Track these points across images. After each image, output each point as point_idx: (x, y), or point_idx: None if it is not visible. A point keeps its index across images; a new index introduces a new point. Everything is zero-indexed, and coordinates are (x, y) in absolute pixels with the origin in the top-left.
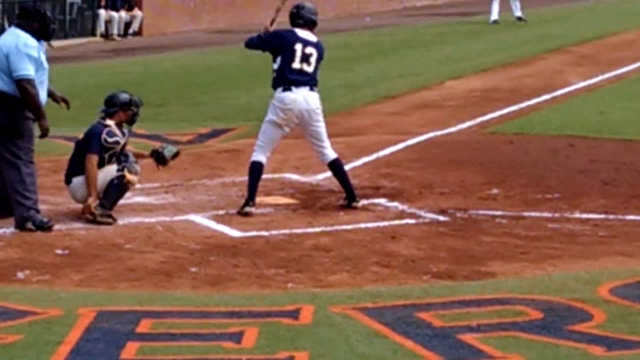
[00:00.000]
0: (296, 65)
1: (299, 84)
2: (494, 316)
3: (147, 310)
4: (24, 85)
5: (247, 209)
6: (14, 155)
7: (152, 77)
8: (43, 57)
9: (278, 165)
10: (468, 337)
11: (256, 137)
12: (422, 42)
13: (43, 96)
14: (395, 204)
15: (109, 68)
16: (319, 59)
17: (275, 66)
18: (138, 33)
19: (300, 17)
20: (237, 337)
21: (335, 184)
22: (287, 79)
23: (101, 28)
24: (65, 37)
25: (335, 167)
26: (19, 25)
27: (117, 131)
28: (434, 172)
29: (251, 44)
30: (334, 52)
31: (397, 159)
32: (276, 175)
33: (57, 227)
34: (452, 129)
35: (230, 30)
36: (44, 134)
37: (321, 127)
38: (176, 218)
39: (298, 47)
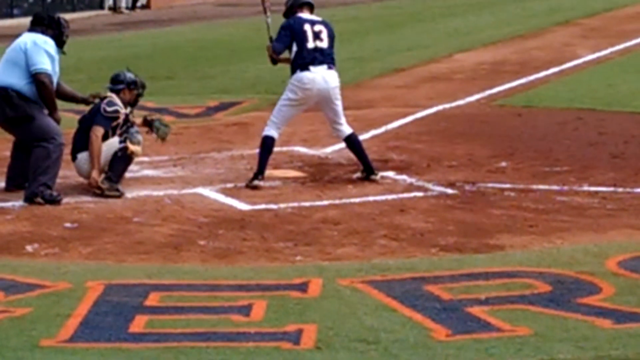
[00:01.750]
0: (310, 44)
1: (316, 62)
2: (502, 289)
3: (156, 283)
4: (42, 79)
5: (256, 182)
6: (38, 138)
7: (160, 51)
8: (58, 65)
9: (287, 138)
10: (476, 310)
11: (265, 110)
12: (431, 15)
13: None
14: (404, 177)
15: (117, 41)
16: (330, 35)
17: (293, 53)
18: (146, 6)
19: (297, 0)
20: (246, 310)
21: (344, 157)
22: (304, 59)
23: (109, 1)
24: (74, 10)
25: (352, 142)
26: (33, 31)
27: (118, 101)
28: (442, 145)
29: (277, 49)
30: (342, 25)
31: (405, 132)
32: (285, 148)
33: (65, 200)
34: (461, 102)
35: (238, 3)
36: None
37: (339, 106)
38: (184, 191)
39: (307, 27)
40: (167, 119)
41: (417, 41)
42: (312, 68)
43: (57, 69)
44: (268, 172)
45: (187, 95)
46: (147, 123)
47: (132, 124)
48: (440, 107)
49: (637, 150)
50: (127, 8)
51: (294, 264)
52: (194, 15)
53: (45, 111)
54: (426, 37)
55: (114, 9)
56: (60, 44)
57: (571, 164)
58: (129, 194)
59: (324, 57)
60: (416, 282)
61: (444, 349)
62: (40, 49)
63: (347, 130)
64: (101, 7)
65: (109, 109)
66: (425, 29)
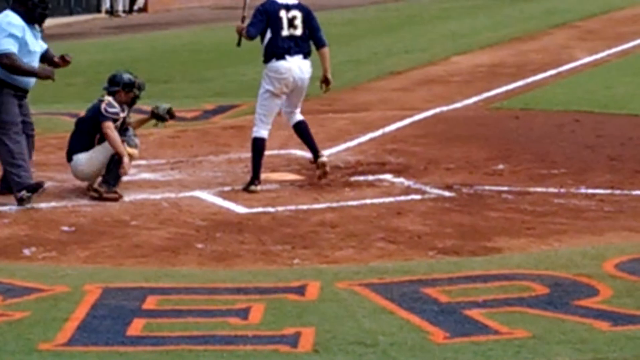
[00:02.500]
0: (285, 32)
1: (292, 52)
2: (499, 292)
3: (154, 286)
4: (3, 62)
5: (253, 187)
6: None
7: (157, 54)
8: (31, 41)
9: (284, 141)
10: (474, 313)
11: None
12: (428, 17)
13: (29, 79)
14: (401, 179)
15: (114, 44)
16: (306, 20)
17: (266, 39)
18: (143, 9)
19: None
20: (244, 313)
21: (341, 160)
22: (279, 48)
23: (106, 4)
24: (71, 13)
25: (302, 125)
26: (12, 8)
27: (116, 104)
28: (439, 148)
29: (251, 35)
30: (339, 28)
31: (402, 135)
32: (282, 152)
33: (63, 203)
34: (458, 105)
35: (235, 7)
36: (48, 77)
37: (303, 96)
38: (182, 194)
39: (282, 13)
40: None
41: (414, 44)
42: (288, 57)
43: (32, 48)
44: (265, 175)
45: (184, 99)
46: (153, 115)
47: (128, 127)
48: (437, 110)
49: (634, 153)
50: (124, 11)
51: (291, 267)
52: (191, 18)
53: (14, 100)
54: (423, 40)
55: (111, 12)
56: (32, 19)
57: (568, 166)
58: (126, 197)
59: (299, 46)
60: (414, 285)
61: (442, 352)
62: (3, 31)
63: (299, 117)
64: (98, 10)
65: (110, 109)
66: (422, 32)
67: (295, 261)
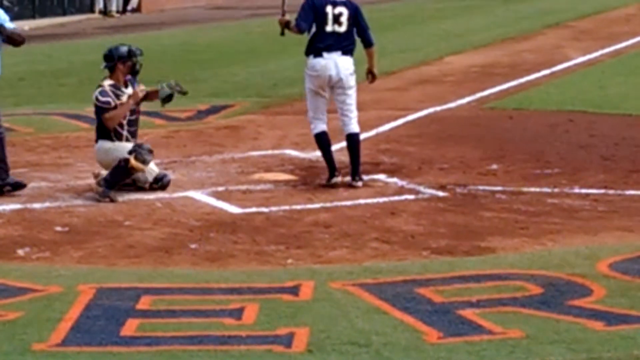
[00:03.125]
0: (329, 28)
1: (331, 48)
2: (493, 291)
3: (147, 287)
4: None
5: (334, 179)
6: None
7: (150, 54)
8: None
9: (278, 141)
10: (468, 313)
11: (256, 113)
12: (422, 17)
13: None
14: (395, 179)
15: (108, 45)
16: (353, 17)
17: (310, 34)
18: (136, 10)
19: None
20: (238, 313)
21: (335, 160)
22: (319, 44)
23: (99, 5)
24: (64, 13)
25: (352, 141)
26: None
27: (110, 93)
28: (433, 148)
29: (303, 28)
30: None
31: (396, 135)
32: (276, 152)
33: (56, 204)
34: (452, 105)
35: (229, 7)
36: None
37: (351, 96)
38: (175, 195)
39: (329, 9)
40: (157, 122)
41: (408, 44)
42: (325, 54)
43: None
44: (258, 175)
45: (177, 99)
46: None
47: (142, 146)
48: (431, 110)
49: (627, 153)
50: (117, 12)
51: (285, 267)
52: (184, 18)
53: None
54: (417, 40)
55: (105, 12)
56: None
57: (562, 166)
58: (119, 198)
59: (340, 43)
60: (407, 285)
61: (436, 352)
62: None
63: (354, 128)
64: (92, 10)
65: (101, 98)
66: (416, 32)
67: (289, 261)
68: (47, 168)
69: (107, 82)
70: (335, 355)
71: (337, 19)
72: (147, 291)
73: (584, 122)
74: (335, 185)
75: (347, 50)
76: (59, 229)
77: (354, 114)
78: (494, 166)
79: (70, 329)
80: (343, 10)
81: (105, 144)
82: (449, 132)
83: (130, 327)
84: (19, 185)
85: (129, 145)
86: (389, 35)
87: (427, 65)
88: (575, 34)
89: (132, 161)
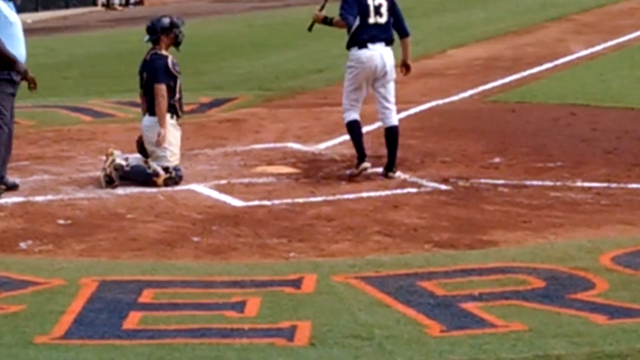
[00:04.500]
0: (372, 19)
1: (375, 40)
2: (496, 285)
3: (150, 279)
4: None
5: (365, 165)
6: None
7: None
8: (8, 12)
9: (280, 134)
10: (470, 306)
11: (259, 106)
12: (424, 10)
13: (18, 50)
14: (397, 172)
15: (111, 37)
16: (391, 8)
17: (354, 26)
18: (139, 2)
19: None
20: (240, 306)
21: (337, 153)
22: (364, 35)
23: None
24: (67, 6)
25: (392, 133)
26: None
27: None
28: (435, 141)
29: (350, 22)
30: None
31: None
32: (278, 145)
33: (59, 197)
34: (454, 98)
35: (232, 0)
36: (24, 76)
37: (392, 86)
38: (178, 188)
39: (370, 1)
40: None
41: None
42: (370, 45)
43: (11, 19)
44: (261, 168)
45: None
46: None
47: (179, 169)
48: (433, 103)
49: (630, 146)
50: (120, 4)
51: (287, 260)
52: (187, 11)
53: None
54: (419, 33)
55: (107, 5)
56: None
57: (564, 159)
58: (122, 191)
59: (382, 34)
60: (410, 278)
61: (438, 345)
62: None
63: (393, 120)
64: (94, 3)
65: (177, 67)
66: (418, 25)
67: (292, 254)
68: (50, 161)
69: (165, 52)
70: (337, 348)
71: (377, 10)
72: (150, 284)
73: (586, 116)
74: (365, 170)
75: (389, 41)
76: (61, 221)
77: (394, 107)
78: (497, 159)
79: (73, 322)
80: (382, 1)
81: (149, 120)
82: (452, 126)
83: (132, 320)
84: (15, 187)
85: (169, 155)
86: None
87: (430, 59)
88: (578, 27)
89: (158, 181)
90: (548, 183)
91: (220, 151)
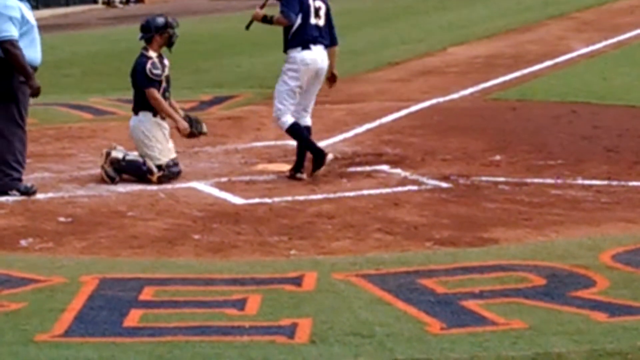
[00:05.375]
0: (312, 20)
1: (316, 41)
2: (496, 282)
3: (150, 277)
4: (6, 47)
5: (301, 175)
6: (5, 120)
7: None
8: (29, 15)
9: (280, 132)
10: (471, 304)
11: (259, 104)
12: (425, 8)
13: (36, 55)
14: (398, 170)
15: (111, 35)
16: (327, 13)
17: (295, 26)
18: (140, 0)
19: None
20: (240, 304)
21: (338, 151)
22: (306, 36)
23: None
24: (67, 4)
25: (308, 133)
26: None
27: (159, 64)
28: (436, 139)
29: (292, 20)
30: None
31: (399, 126)
32: (279, 142)
33: (59, 194)
34: (455, 96)
35: None
36: (35, 93)
37: (318, 89)
38: (178, 185)
39: (311, 1)
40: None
41: (411, 35)
42: (312, 47)
43: (32, 21)
44: (262, 166)
45: (180, 89)
46: (188, 120)
47: (177, 164)
48: (434, 101)
49: (631, 144)
50: (120, 2)
51: (288, 257)
52: (187, 9)
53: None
54: (420, 31)
55: (108, 3)
56: None
57: (565, 157)
58: (122, 188)
59: (322, 37)
60: (410, 276)
61: (439, 343)
62: (2, 16)
63: (308, 120)
64: (95, 1)
65: (154, 71)
66: (419, 23)
67: (292, 252)
68: (51, 159)
69: (153, 54)
70: (338, 346)
71: (317, 13)
72: (150, 282)
73: (587, 114)
74: (300, 180)
75: (327, 45)
76: (62, 219)
77: (311, 107)
78: (497, 157)
79: (73, 319)
80: (321, 4)
81: (137, 118)
82: (452, 123)
83: (133, 317)
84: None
85: (164, 154)
86: (391, 26)
87: (430, 57)
88: (579, 25)
89: (152, 178)
90: (549, 181)
91: (221, 149)
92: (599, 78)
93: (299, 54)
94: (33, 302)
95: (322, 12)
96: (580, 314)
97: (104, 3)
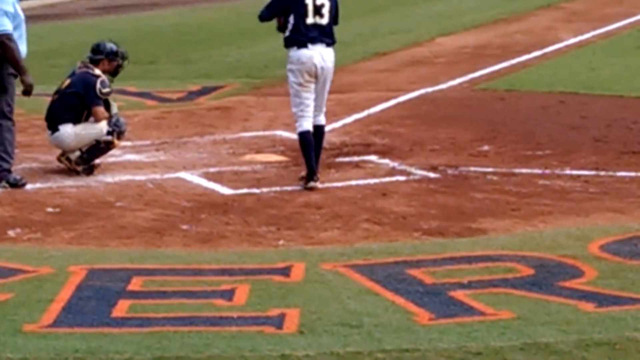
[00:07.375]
0: (310, 20)
1: (315, 40)
2: (484, 273)
3: (138, 267)
4: (2, 41)
5: (312, 184)
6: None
7: (142, 35)
8: (18, 8)
9: (269, 122)
10: (459, 294)
11: (247, 94)
12: None
13: (23, 48)
14: (386, 161)
15: (100, 26)
16: (333, 9)
17: (290, 26)
18: None
19: None
20: (229, 294)
21: (326, 141)
22: (301, 37)
23: None
24: None
25: (320, 133)
26: None
27: (107, 81)
28: (424, 129)
29: (263, 17)
30: None
31: (388, 116)
32: (267, 133)
33: (47, 184)
34: (443, 86)
35: None
36: (27, 90)
37: (328, 88)
38: (167, 176)
39: (308, 0)
40: (149, 103)
41: (399, 25)
42: (310, 46)
43: (21, 15)
44: (250, 156)
45: (169, 80)
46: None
47: (118, 119)
48: (422, 91)
49: (619, 134)
50: None
51: (276, 248)
52: None
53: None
54: (408, 21)
55: None
56: None
57: (553, 147)
58: (111, 179)
59: (323, 35)
60: (399, 266)
61: (427, 333)
62: None
63: (322, 120)
64: None
65: (104, 90)
66: (408, 13)
67: (281, 242)
68: (38, 149)
69: (99, 71)
70: (326, 336)
71: (318, 11)
72: (139, 272)
73: (576, 104)
74: (313, 189)
75: (329, 43)
76: (50, 209)
77: (323, 107)
78: (485, 147)
79: (62, 310)
80: (325, 1)
81: (72, 129)
82: (441, 114)
83: (121, 308)
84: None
85: (102, 125)
86: (379, 16)
87: (419, 47)
88: (567, 15)
89: (116, 142)
90: (537, 171)
91: (209, 139)
92: (587, 68)
93: (295, 53)
94: (21, 292)
95: (325, 10)
96: (568, 304)
97: None
